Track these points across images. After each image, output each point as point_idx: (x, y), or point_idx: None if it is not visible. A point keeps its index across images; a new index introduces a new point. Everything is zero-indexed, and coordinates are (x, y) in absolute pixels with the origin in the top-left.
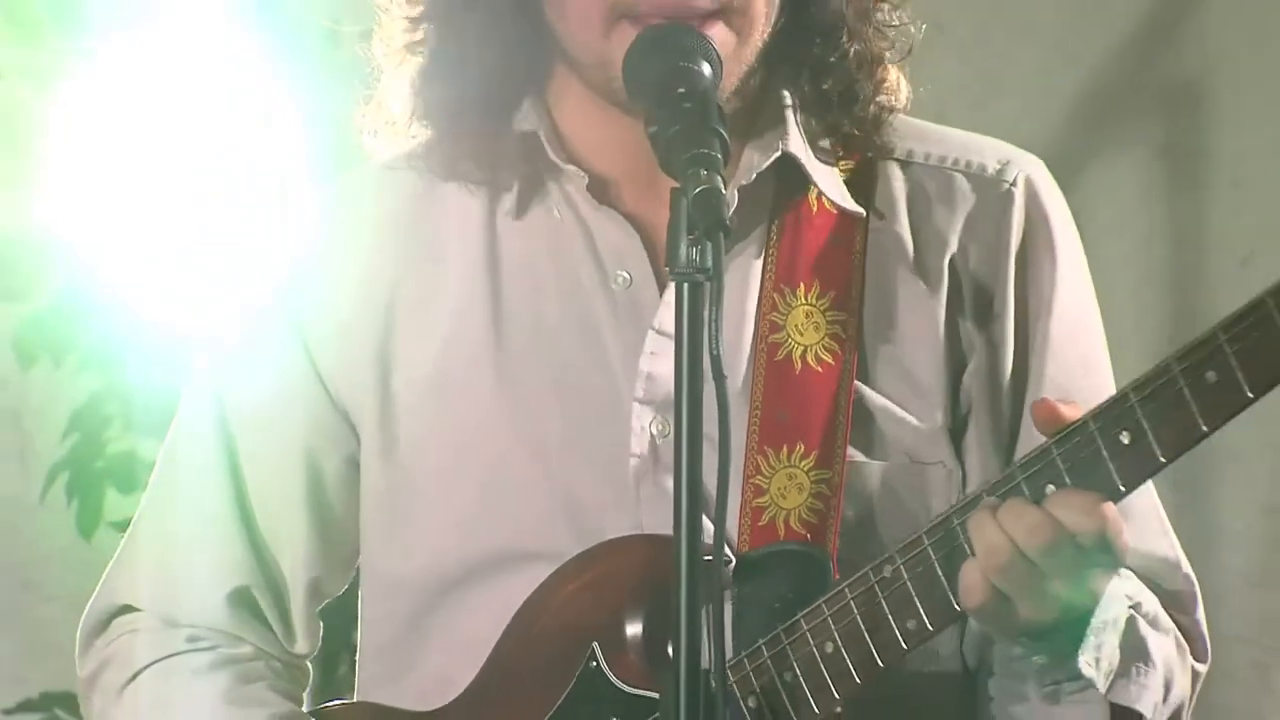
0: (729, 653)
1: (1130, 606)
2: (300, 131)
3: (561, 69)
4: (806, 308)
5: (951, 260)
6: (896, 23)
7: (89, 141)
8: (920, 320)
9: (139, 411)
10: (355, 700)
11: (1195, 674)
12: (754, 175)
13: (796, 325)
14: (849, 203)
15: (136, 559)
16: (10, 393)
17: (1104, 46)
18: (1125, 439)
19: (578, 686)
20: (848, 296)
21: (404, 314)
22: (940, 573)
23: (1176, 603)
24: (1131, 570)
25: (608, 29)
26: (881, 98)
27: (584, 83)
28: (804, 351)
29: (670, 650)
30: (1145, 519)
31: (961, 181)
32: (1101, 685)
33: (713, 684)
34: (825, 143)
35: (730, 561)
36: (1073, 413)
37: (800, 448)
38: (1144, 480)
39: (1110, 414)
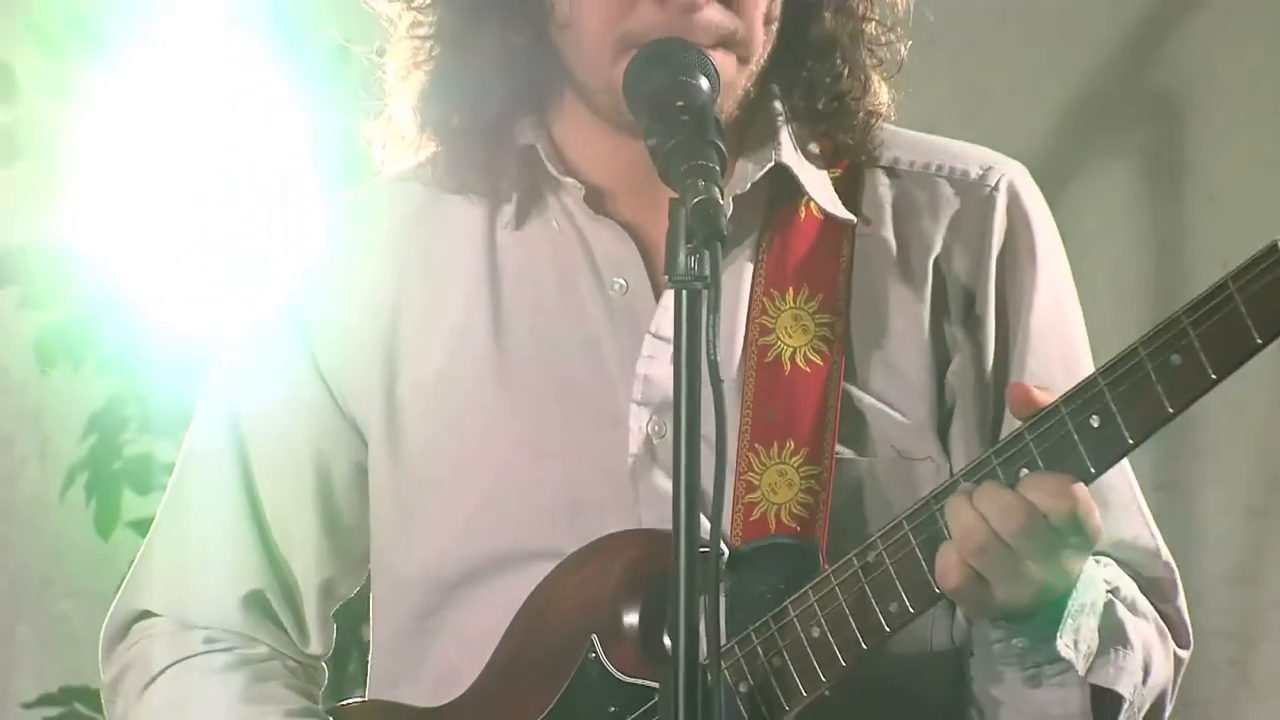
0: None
1: (1108, 591)
2: (312, 145)
3: (569, 92)
4: (795, 311)
5: (936, 262)
6: (887, 41)
7: (108, 154)
8: (906, 321)
9: (155, 414)
10: (367, 698)
11: (1178, 660)
12: (748, 185)
13: (785, 328)
14: (839, 209)
15: (154, 566)
16: (31, 396)
17: (1090, 60)
18: (1095, 422)
19: (578, 677)
20: (835, 299)
21: (409, 323)
22: (920, 556)
23: (1157, 590)
24: (1111, 558)
25: (616, 58)
26: (871, 108)
27: (591, 108)
28: (793, 353)
29: (667, 641)
30: (1125, 508)
31: (945, 186)
32: (1081, 667)
33: (709, 675)
34: (815, 148)
35: (723, 554)
36: (1046, 398)
37: (790, 445)
38: (1114, 462)
39: (1080, 398)
